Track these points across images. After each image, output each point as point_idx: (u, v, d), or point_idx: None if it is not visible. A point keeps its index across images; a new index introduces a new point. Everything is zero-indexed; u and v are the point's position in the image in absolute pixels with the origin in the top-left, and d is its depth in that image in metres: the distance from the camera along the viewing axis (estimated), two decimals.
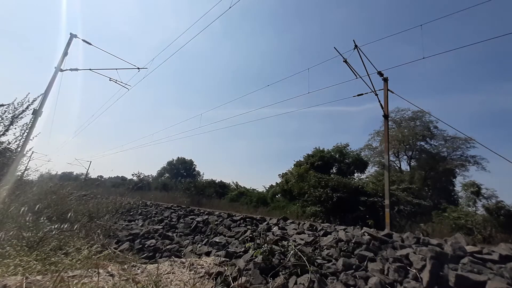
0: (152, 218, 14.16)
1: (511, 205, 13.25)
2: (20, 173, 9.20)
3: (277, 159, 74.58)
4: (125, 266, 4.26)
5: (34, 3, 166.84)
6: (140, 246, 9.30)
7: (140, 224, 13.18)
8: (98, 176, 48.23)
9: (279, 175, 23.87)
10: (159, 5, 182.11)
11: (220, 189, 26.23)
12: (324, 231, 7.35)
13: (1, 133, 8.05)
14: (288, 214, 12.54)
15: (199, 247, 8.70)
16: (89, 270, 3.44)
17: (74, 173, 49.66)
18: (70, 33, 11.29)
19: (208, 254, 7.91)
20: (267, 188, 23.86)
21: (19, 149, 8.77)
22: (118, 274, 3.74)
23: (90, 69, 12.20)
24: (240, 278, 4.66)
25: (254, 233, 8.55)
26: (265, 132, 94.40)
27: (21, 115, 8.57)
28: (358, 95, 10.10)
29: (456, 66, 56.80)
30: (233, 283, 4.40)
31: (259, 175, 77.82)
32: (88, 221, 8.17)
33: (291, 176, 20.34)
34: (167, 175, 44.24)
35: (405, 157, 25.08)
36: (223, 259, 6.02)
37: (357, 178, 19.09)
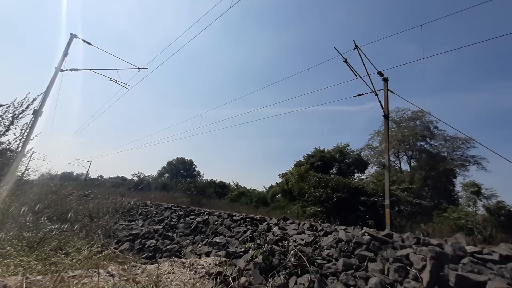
0: (152, 218, 14.15)
1: (511, 205, 13.23)
2: (20, 173, 9.21)
3: (277, 159, 74.65)
4: (125, 266, 4.26)
5: (34, 3, 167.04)
6: (140, 246, 9.29)
7: (140, 224, 13.17)
8: (98, 176, 48.41)
9: (279, 175, 23.89)
10: (159, 4, 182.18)
11: (220, 189, 26.25)
12: (324, 231, 7.34)
13: (1, 133, 8.06)
14: (288, 214, 12.53)
15: (199, 247, 8.70)
16: (89, 270, 3.44)
17: (74, 173, 49.77)
18: (70, 33, 11.31)
19: (208, 254, 7.90)
20: (267, 188, 23.87)
21: (19, 149, 8.78)
22: (118, 274, 3.74)
23: (90, 69, 12.22)
24: (240, 278, 4.66)
25: (254, 233, 8.54)
26: (265, 132, 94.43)
27: (21, 115, 8.59)
28: (358, 95, 10.10)
29: (457, 65, 56.84)
30: (233, 283, 4.40)
31: (259, 175, 77.91)
32: (88, 221, 8.18)
33: (291, 176, 20.34)
34: (167, 175, 44.26)
35: (405, 157, 25.11)
36: (223, 259, 6.01)
37: (357, 178, 19.10)
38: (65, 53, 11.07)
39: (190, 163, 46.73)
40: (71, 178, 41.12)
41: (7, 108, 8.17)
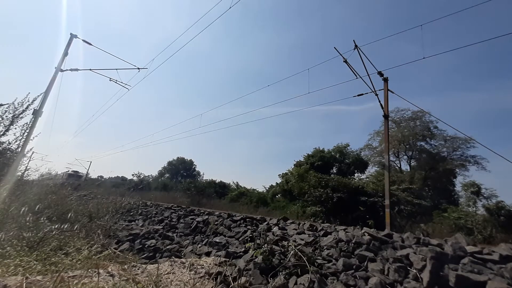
0: (152, 218, 14.15)
1: (511, 205, 13.24)
2: (20, 173, 9.21)
3: (277, 159, 74.75)
4: (125, 266, 4.26)
5: (34, 3, 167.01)
6: (140, 246, 9.29)
7: (140, 224, 13.17)
8: (98, 176, 48.32)
9: (279, 175, 23.92)
10: (159, 4, 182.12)
11: (220, 189, 26.23)
12: (324, 231, 7.34)
13: (2, 133, 8.06)
14: (288, 214, 12.52)
15: (199, 247, 8.70)
16: (89, 270, 3.44)
17: None
18: (70, 33, 11.30)
19: (208, 254, 7.90)
20: (267, 188, 23.89)
21: (19, 149, 8.78)
22: (118, 274, 3.74)
23: (90, 69, 12.22)
24: (240, 278, 4.66)
25: (254, 233, 8.54)
26: (265, 132, 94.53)
27: (21, 115, 8.59)
28: (358, 95, 10.09)
29: (456, 65, 56.83)
30: (233, 283, 4.40)
31: (259, 175, 77.98)
32: (88, 221, 8.18)
33: (291, 176, 20.35)
34: (167, 175, 44.26)
35: (405, 157, 25.08)
36: (223, 259, 6.01)
37: (357, 178, 19.10)
38: (65, 53, 11.07)
39: (190, 163, 46.73)
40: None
41: (7, 108, 8.17)
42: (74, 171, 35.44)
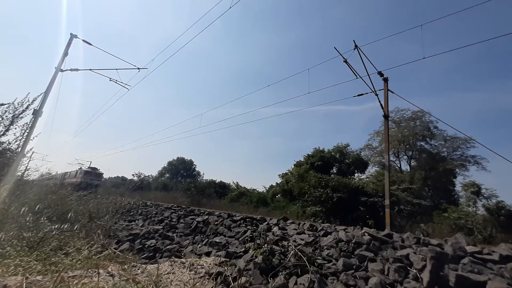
0: (152, 218, 14.15)
1: (511, 205, 13.25)
2: (20, 173, 9.21)
3: (277, 159, 74.78)
4: (125, 266, 4.26)
5: (34, 3, 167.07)
6: (140, 246, 9.29)
7: (140, 224, 13.18)
8: None
9: (279, 175, 23.92)
10: (159, 4, 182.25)
11: (220, 189, 26.22)
12: (324, 231, 7.34)
13: (2, 133, 8.06)
14: (288, 214, 12.51)
15: (199, 247, 8.70)
16: (89, 270, 3.44)
17: None
18: (70, 33, 11.30)
19: (208, 254, 7.90)
20: (267, 188, 23.88)
21: (19, 149, 8.78)
22: (118, 274, 3.74)
23: (90, 69, 12.22)
24: (240, 278, 4.66)
25: (254, 233, 8.54)
26: (265, 132, 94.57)
27: (21, 115, 8.58)
28: (359, 95, 10.09)
29: (457, 65, 56.85)
30: (233, 283, 4.40)
31: (259, 175, 78.01)
32: (88, 221, 8.17)
33: (291, 176, 20.35)
34: (167, 175, 44.26)
35: (405, 157, 25.08)
36: (223, 259, 6.01)
37: (357, 178, 19.09)
38: (65, 53, 11.07)
39: (190, 163, 46.73)
40: None
41: (7, 108, 8.17)
42: (91, 167, 31.28)
